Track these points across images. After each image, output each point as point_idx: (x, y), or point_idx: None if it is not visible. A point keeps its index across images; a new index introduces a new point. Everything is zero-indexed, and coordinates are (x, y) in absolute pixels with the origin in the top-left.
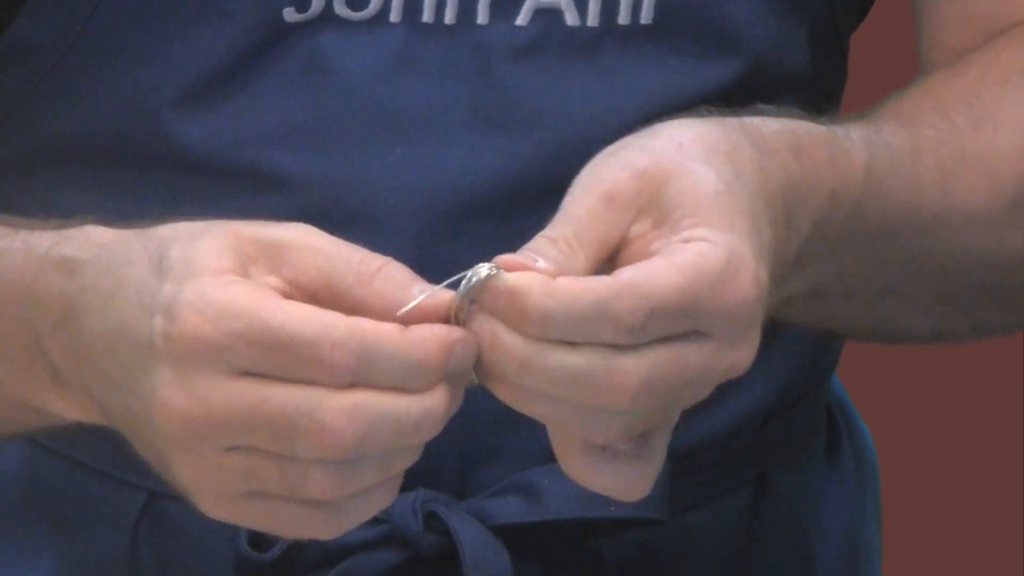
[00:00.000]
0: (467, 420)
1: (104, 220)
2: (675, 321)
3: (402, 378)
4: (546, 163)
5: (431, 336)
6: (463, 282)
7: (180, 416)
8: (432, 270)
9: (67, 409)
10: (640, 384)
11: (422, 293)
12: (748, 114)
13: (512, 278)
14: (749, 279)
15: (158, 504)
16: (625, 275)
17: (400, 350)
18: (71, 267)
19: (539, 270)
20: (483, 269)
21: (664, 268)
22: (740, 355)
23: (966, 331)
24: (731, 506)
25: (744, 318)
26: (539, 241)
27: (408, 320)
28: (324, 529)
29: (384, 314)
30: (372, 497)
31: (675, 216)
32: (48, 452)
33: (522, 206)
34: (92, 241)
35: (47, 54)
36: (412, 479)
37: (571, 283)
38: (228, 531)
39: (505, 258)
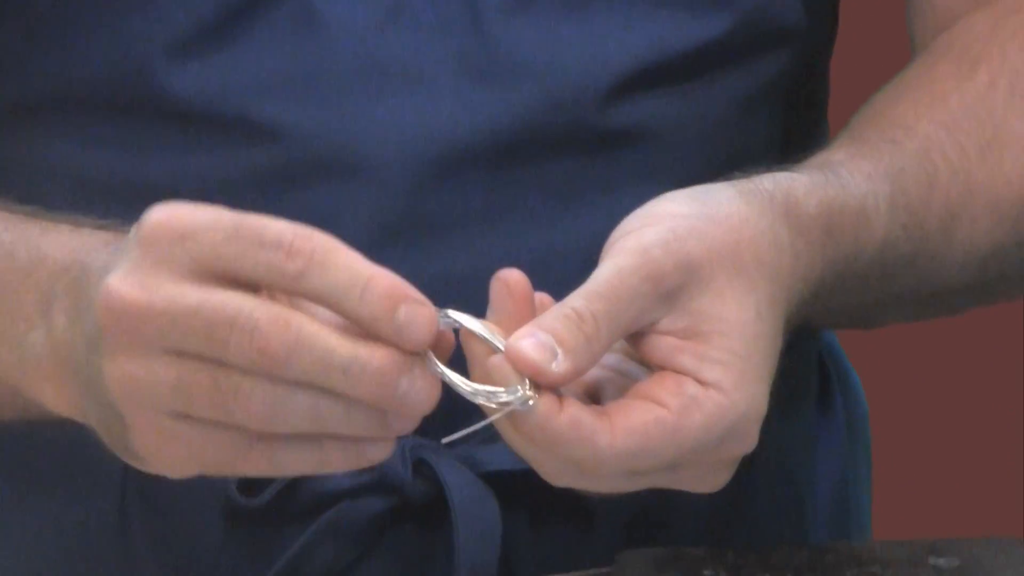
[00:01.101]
0: (457, 367)
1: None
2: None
3: (340, 293)
4: (536, 115)
5: (387, 274)
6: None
7: (122, 303)
8: (424, 221)
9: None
10: (582, 487)
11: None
12: (792, 174)
13: (539, 419)
14: (748, 442)
15: None
16: (623, 444)
17: (352, 263)
18: (112, 243)
19: (553, 376)
20: (519, 399)
21: (665, 443)
22: (705, 486)
23: (950, 315)
24: None
25: (724, 465)
26: (566, 318)
27: None
28: (251, 466)
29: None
30: (302, 452)
31: (711, 341)
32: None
33: (512, 158)
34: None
35: (40, 3)
36: None
37: (571, 429)
38: (217, 480)
39: (525, 357)
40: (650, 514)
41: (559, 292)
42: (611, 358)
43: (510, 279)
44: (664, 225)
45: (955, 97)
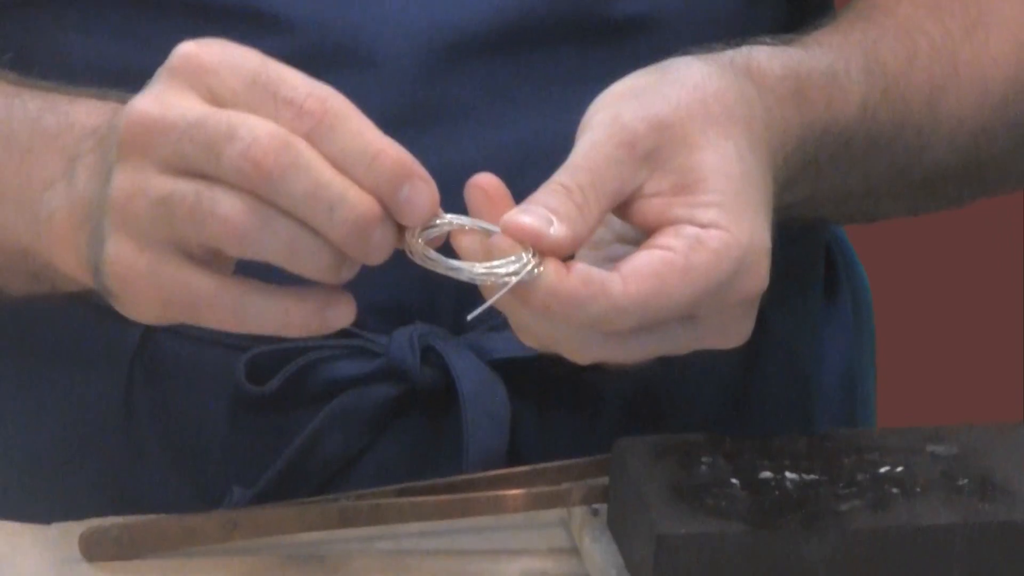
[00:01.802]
0: None
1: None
2: (673, 319)
3: (350, 157)
4: (543, 4)
5: (398, 148)
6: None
7: (140, 116)
8: (429, 109)
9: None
10: (607, 358)
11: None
12: (752, 45)
13: (550, 281)
14: (760, 275)
15: (155, 340)
16: (635, 287)
17: (364, 132)
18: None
19: (552, 240)
20: (526, 266)
21: (677, 283)
22: (727, 338)
23: (946, 205)
24: None
25: (741, 309)
26: (554, 192)
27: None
28: (216, 315)
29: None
30: (266, 307)
31: (698, 188)
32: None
33: (519, 47)
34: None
35: None
36: (410, 313)
37: (583, 285)
38: (225, 365)
39: (522, 225)
40: (655, 403)
41: None
42: (616, 248)
43: (484, 183)
44: (629, 95)
45: None
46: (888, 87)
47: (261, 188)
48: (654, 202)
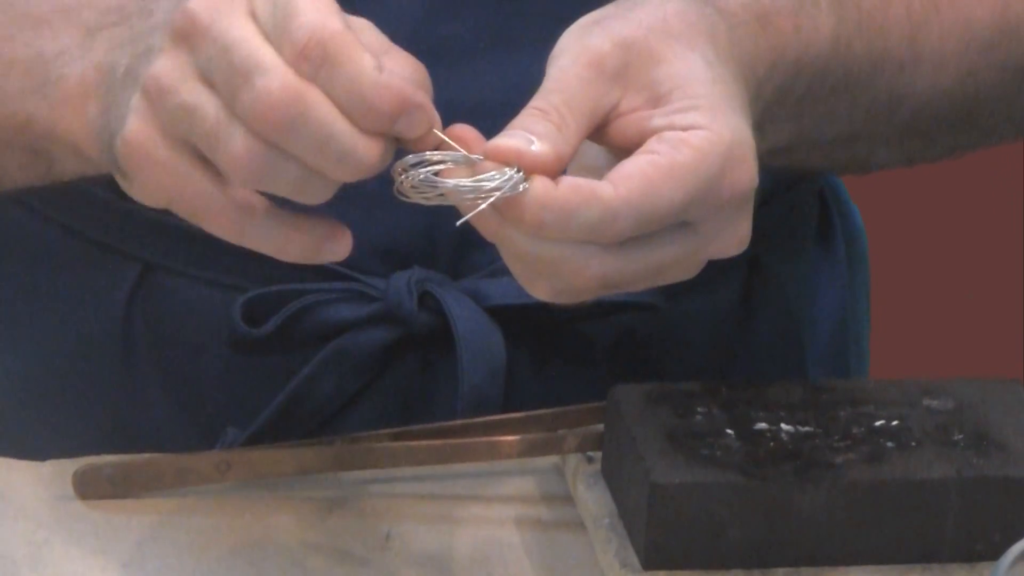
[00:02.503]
0: None
1: None
2: (665, 224)
3: (349, 101)
4: None
5: (396, 87)
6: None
7: (193, 14)
8: (432, 49)
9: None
10: (608, 279)
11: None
12: None
13: (539, 193)
14: (748, 169)
15: (153, 277)
16: (625, 189)
17: (363, 80)
18: None
19: (535, 155)
20: (510, 180)
21: (666, 181)
22: (727, 243)
23: (942, 155)
24: (723, 291)
25: (736, 209)
26: (531, 116)
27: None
28: (217, 223)
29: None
30: (267, 232)
31: (672, 97)
32: (44, 219)
33: None
34: None
35: None
36: (408, 258)
37: (573, 193)
38: (223, 306)
39: (501, 145)
40: (650, 348)
41: None
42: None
43: (460, 133)
44: (592, 23)
45: None
46: (862, 20)
47: (270, 136)
48: (631, 118)
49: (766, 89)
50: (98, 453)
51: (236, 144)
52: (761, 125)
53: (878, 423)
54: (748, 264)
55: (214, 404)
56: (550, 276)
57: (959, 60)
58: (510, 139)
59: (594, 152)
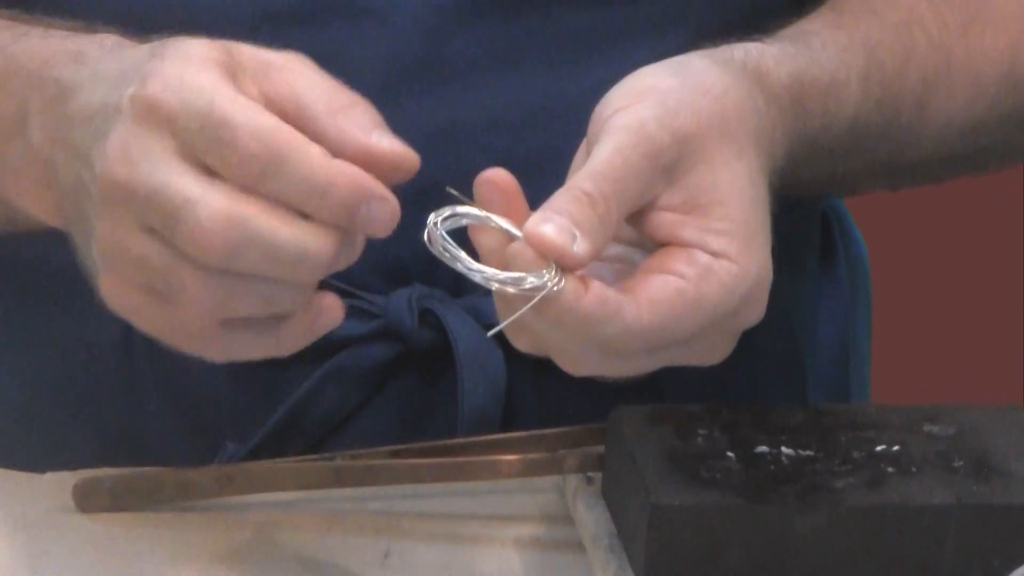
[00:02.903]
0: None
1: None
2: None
3: (301, 196)
4: None
5: (349, 173)
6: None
7: (111, 176)
8: (438, 66)
9: (25, 195)
10: (600, 371)
11: (381, 139)
12: (762, 44)
13: (568, 300)
14: (761, 307)
15: None
16: (648, 316)
17: (313, 167)
18: (81, 58)
19: (575, 258)
20: (548, 283)
21: (688, 314)
22: (710, 358)
23: (932, 184)
24: None
25: (733, 337)
26: (578, 200)
27: (354, 160)
28: (205, 348)
29: (338, 149)
30: (257, 338)
31: (711, 213)
32: (48, 231)
33: (527, 6)
34: (107, 42)
35: None
36: (408, 275)
37: (600, 306)
38: None
39: (546, 240)
40: (651, 372)
41: (569, 141)
42: (613, 248)
43: (497, 178)
44: (653, 99)
45: None
46: (882, 96)
47: (218, 264)
48: (665, 217)
49: (777, 167)
50: (98, 465)
51: (190, 284)
52: (771, 185)
53: (879, 448)
54: None
55: (214, 417)
56: (545, 352)
57: (964, 116)
58: (555, 231)
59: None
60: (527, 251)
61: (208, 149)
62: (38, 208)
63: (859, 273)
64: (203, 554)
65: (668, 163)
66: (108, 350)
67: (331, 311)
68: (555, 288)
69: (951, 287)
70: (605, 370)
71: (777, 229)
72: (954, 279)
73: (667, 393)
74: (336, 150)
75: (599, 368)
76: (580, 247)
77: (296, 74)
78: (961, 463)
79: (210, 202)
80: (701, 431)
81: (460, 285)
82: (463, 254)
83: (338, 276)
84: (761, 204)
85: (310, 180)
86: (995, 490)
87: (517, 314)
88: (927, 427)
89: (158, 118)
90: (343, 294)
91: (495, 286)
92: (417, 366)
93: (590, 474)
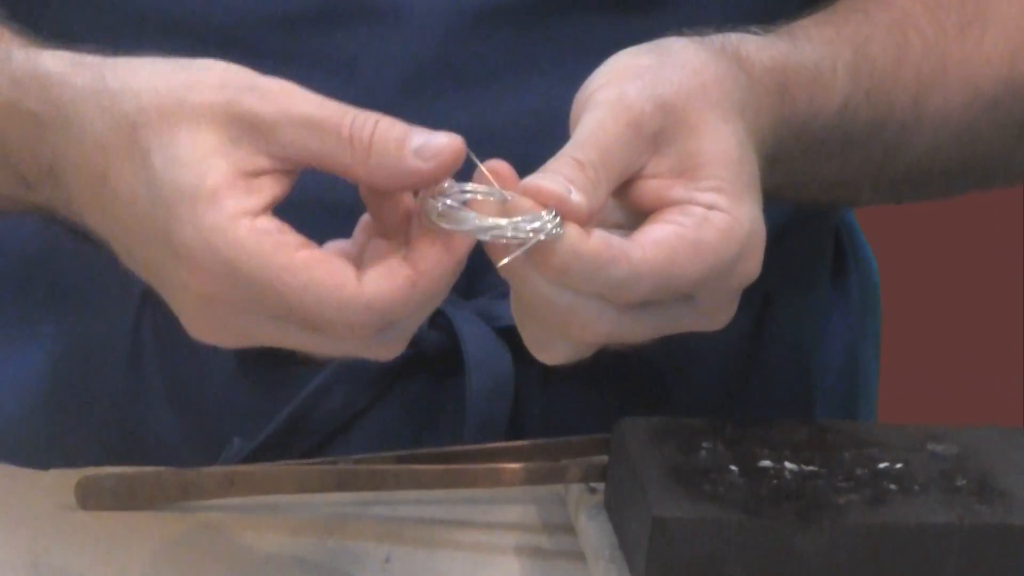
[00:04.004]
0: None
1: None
2: (677, 295)
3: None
4: None
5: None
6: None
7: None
8: (455, 71)
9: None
10: (613, 336)
11: (419, 141)
12: (741, 33)
13: (572, 242)
14: (757, 260)
15: None
16: (652, 255)
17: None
18: (40, 123)
19: (573, 205)
20: (548, 224)
21: (690, 256)
22: (714, 321)
23: (933, 197)
24: (735, 324)
25: (734, 294)
26: (568, 165)
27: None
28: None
29: (387, 184)
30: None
31: (699, 173)
32: (58, 224)
33: (546, 13)
34: (51, 95)
35: None
36: None
37: (605, 248)
38: None
39: (544, 188)
40: (659, 380)
41: None
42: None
43: (497, 167)
44: (633, 74)
45: None
46: (873, 87)
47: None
48: (652, 184)
49: (765, 152)
50: (102, 463)
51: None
52: (761, 168)
53: (882, 465)
54: (761, 299)
55: (220, 415)
56: (559, 329)
57: (960, 118)
58: (551, 182)
59: (609, 205)
60: (526, 202)
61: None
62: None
63: (869, 290)
64: (203, 555)
65: (652, 132)
66: (115, 347)
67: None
68: (556, 231)
69: (960, 305)
70: (619, 331)
71: (789, 244)
72: (963, 297)
73: (675, 404)
74: (383, 185)
75: (613, 329)
76: (576, 197)
77: (297, 127)
78: (964, 483)
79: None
80: (705, 445)
81: (471, 287)
82: (467, 211)
83: None
84: (748, 164)
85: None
86: (997, 511)
87: (520, 251)
88: (931, 446)
89: (225, 304)
90: None
91: (500, 233)
92: (425, 368)
93: (593, 485)
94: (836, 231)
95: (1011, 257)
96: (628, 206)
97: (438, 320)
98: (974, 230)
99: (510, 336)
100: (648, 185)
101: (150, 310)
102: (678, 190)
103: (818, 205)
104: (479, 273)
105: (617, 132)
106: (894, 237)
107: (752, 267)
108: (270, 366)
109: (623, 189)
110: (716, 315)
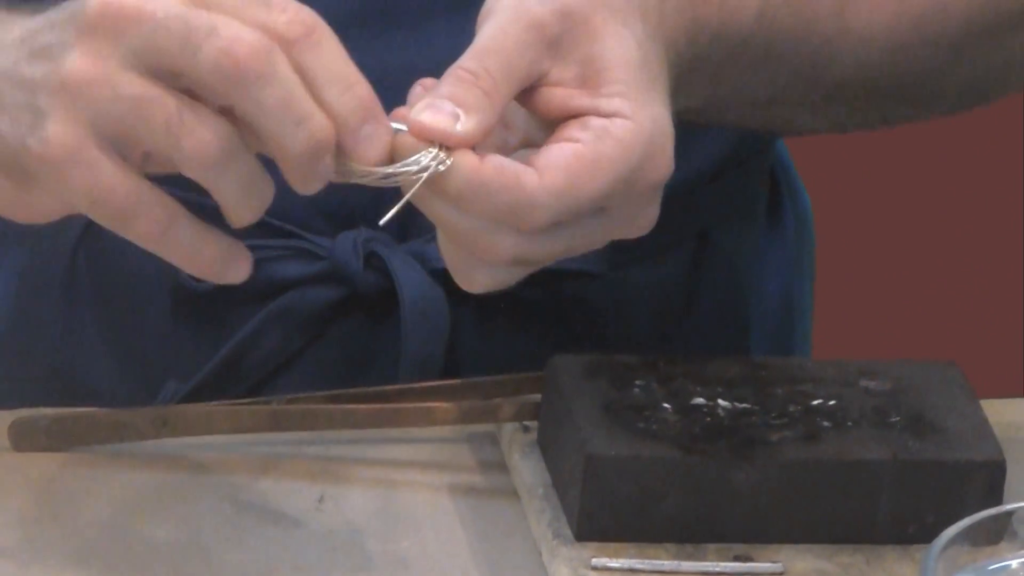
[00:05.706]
0: None
1: None
2: (583, 213)
3: (329, 77)
4: None
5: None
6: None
7: (119, 4)
8: (388, 11)
9: None
10: (520, 258)
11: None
12: None
13: (463, 171)
14: (667, 159)
15: (100, 227)
16: (549, 179)
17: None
18: None
19: (460, 137)
20: (432, 163)
21: (589, 174)
22: (635, 226)
23: (872, 124)
24: (671, 263)
25: (649, 196)
26: (460, 81)
27: None
28: (134, 228)
29: None
30: (195, 230)
31: (600, 79)
32: None
33: None
34: None
35: None
36: (353, 218)
37: (497, 175)
38: (167, 263)
39: (426, 125)
40: (595, 316)
41: None
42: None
43: (427, 83)
44: None
45: None
46: None
47: (235, 91)
48: (556, 92)
49: (684, 58)
50: (36, 404)
51: (204, 130)
52: (675, 90)
53: (815, 402)
54: (697, 238)
55: (156, 357)
56: (468, 252)
57: (888, 34)
58: (436, 116)
59: (521, 117)
60: (408, 139)
61: (249, 6)
62: None
63: (804, 226)
64: (138, 495)
65: (552, 36)
66: (51, 282)
67: (242, 262)
68: (440, 167)
69: (894, 243)
70: (529, 252)
71: (726, 182)
72: (898, 236)
73: (612, 342)
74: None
75: (522, 250)
76: (465, 125)
77: None
78: (897, 419)
79: (251, 31)
80: (638, 382)
81: (406, 229)
82: (355, 164)
83: (283, 217)
84: (652, 65)
85: (343, 67)
86: (930, 446)
87: (405, 197)
88: (864, 382)
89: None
90: (287, 235)
91: (388, 182)
92: (361, 310)
93: (526, 423)
94: (772, 169)
95: (942, 188)
96: (537, 116)
97: (373, 261)
98: (911, 166)
99: (445, 278)
100: (552, 94)
101: (87, 246)
102: (582, 99)
103: (757, 131)
104: (412, 216)
105: (517, 35)
106: (827, 174)
107: (662, 166)
108: (206, 307)
109: (530, 97)
110: (634, 221)
